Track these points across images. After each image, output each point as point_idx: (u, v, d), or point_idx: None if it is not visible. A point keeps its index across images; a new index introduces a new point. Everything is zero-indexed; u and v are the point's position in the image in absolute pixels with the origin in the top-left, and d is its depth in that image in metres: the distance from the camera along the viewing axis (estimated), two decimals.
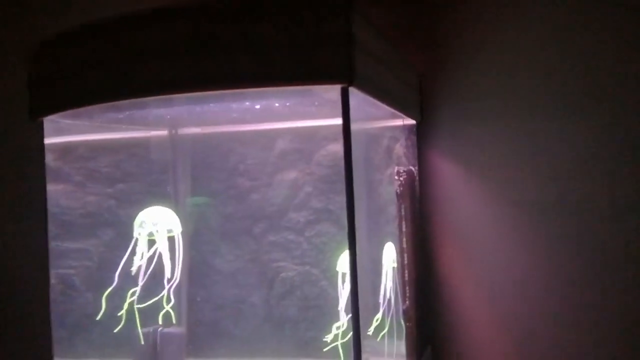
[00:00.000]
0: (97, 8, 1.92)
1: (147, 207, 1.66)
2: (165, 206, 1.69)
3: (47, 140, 1.46)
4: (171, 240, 1.63)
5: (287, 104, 1.56)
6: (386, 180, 1.52)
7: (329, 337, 1.52)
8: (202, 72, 1.18)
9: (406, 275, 1.57)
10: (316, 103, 1.53)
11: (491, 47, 1.75)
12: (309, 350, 1.79)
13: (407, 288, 1.57)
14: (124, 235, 1.86)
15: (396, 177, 1.57)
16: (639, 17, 1.62)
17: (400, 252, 1.54)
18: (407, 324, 1.55)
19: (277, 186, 1.84)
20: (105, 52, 1.26)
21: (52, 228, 1.51)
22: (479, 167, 1.76)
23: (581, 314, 1.67)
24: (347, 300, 1.50)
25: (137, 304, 1.55)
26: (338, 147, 1.79)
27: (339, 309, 1.51)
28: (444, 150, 1.79)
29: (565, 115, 1.68)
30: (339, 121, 1.75)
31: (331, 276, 1.76)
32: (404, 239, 1.57)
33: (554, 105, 1.69)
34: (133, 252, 1.55)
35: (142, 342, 1.57)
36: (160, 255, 1.56)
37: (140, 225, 1.52)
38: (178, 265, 1.59)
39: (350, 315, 1.14)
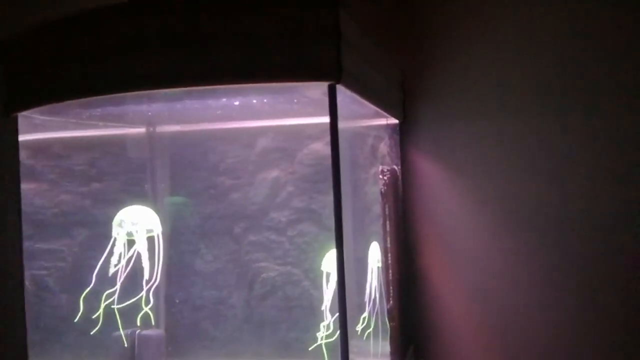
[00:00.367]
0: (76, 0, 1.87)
1: (123, 206, 1.62)
2: (143, 206, 1.65)
3: (21, 137, 1.41)
4: (150, 240, 1.59)
5: (265, 100, 1.54)
6: (371, 179, 1.51)
7: (319, 337, 1.50)
8: (184, 67, 1.15)
9: (390, 274, 1.56)
10: (295, 100, 1.51)
11: (474, 47, 1.75)
12: (291, 351, 1.77)
13: (391, 287, 1.56)
14: (99, 236, 1.81)
15: (380, 177, 1.56)
16: (623, 14, 1.64)
17: (384, 252, 1.53)
18: (391, 323, 1.54)
19: (258, 185, 1.82)
20: (85, 46, 1.22)
21: (24, 228, 1.46)
22: (462, 166, 1.76)
23: (562, 310, 1.68)
24: (332, 300, 1.48)
25: (115, 305, 1.51)
26: (321, 146, 1.78)
27: (323, 308, 1.49)
28: (427, 149, 1.79)
29: (546, 115, 1.69)
30: (322, 120, 1.75)
31: (314, 276, 1.74)
32: (388, 239, 1.56)
33: (535, 105, 1.70)
34: (111, 253, 1.51)
35: (125, 344, 1.53)
36: (138, 256, 1.52)
37: (120, 225, 1.48)
38: (158, 265, 1.55)
39: (335, 316, 1.12)
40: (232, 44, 1.13)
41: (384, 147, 1.63)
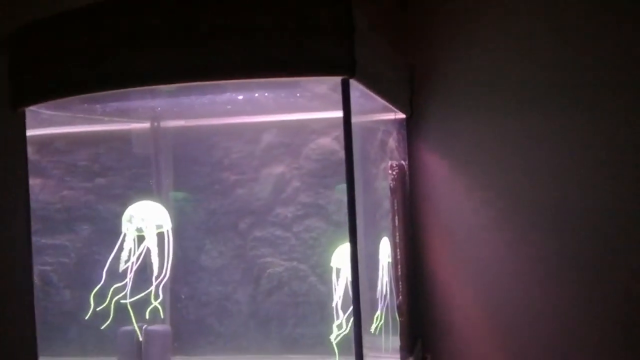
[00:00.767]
0: None
1: (127, 201, 1.61)
2: (152, 201, 1.64)
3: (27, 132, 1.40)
4: (159, 236, 1.58)
5: (271, 95, 1.53)
6: (381, 174, 1.51)
7: (333, 336, 1.49)
8: (194, 62, 1.14)
9: (399, 269, 1.56)
10: (298, 94, 1.51)
11: (482, 41, 1.75)
12: (298, 346, 1.77)
13: (400, 283, 1.56)
14: (103, 231, 1.81)
15: (390, 172, 1.55)
16: (631, 9, 1.64)
17: (393, 247, 1.52)
18: (401, 318, 1.54)
19: (263, 181, 1.81)
20: (92, 40, 1.21)
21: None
22: (469, 161, 1.76)
23: (568, 307, 1.69)
24: (343, 296, 1.48)
25: (127, 300, 1.50)
26: (328, 141, 1.77)
27: (334, 305, 1.49)
28: (434, 144, 1.79)
29: (555, 110, 1.69)
30: (327, 114, 1.75)
31: (321, 272, 1.74)
32: (397, 234, 1.56)
33: (543, 101, 1.70)
34: (120, 248, 1.50)
35: (140, 338, 1.52)
36: (147, 251, 1.51)
37: (129, 220, 1.47)
38: (168, 261, 1.54)
39: (348, 312, 1.12)
40: (243, 38, 1.12)
41: (392, 142, 1.62)
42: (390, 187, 1.55)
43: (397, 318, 1.53)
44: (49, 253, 1.83)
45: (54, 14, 1.25)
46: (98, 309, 1.53)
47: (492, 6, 1.75)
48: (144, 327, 1.63)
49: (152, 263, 1.54)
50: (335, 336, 1.49)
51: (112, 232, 1.72)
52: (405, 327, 1.57)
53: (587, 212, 1.67)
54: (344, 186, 1.71)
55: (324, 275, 1.72)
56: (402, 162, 1.69)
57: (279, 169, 1.80)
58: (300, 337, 1.77)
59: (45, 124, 1.69)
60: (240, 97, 1.55)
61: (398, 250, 1.56)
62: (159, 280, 1.51)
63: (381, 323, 1.39)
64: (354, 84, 1.15)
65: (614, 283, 1.66)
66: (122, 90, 1.24)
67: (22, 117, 1.35)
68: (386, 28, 1.78)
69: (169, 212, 1.65)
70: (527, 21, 1.72)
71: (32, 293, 1.33)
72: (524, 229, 1.72)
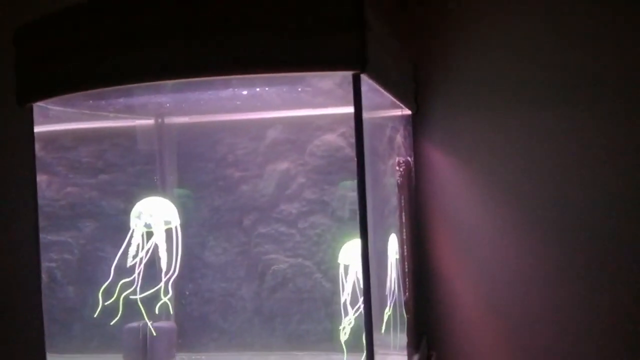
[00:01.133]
0: None
1: (131, 198, 1.60)
2: (162, 198, 1.64)
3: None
4: (167, 232, 1.58)
5: (276, 91, 1.53)
6: (389, 170, 1.51)
7: (340, 330, 1.49)
8: (204, 57, 1.14)
9: (406, 266, 1.56)
10: (299, 89, 1.50)
11: (486, 37, 1.75)
12: (302, 343, 1.77)
13: (407, 279, 1.56)
14: (107, 228, 1.80)
15: (397, 168, 1.55)
16: (631, 9, 1.64)
17: (400, 244, 1.52)
18: (407, 315, 1.54)
19: (268, 177, 1.81)
20: (100, 34, 1.20)
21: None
22: (474, 159, 1.76)
23: (574, 304, 1.69)
24: (352, 293, 1.48)
25: (137, 296, 1.50)
26: (333, 137, 1.77)
27: (343, 301, 1.49)
28: (439, 141, 1.79)
29: (560, 106, 1.69)
30: (333, 110, 1.75)
31: (326, 268, 1.74)
32: (404, 230, 1.55)
33: (549, 98, 1.70)
34: (128, 244, 1.49)
35: (154, 333, 1.51)
36: (155, 248, 1.51)
37: (138, 216, 1.46)
38: (177, 257, 1.53)
39: (356, 309, 1.12)
40: (253, 33, 1.11)
41: (399, 139, 1.62)
42: (398, 183, 1.55)
43: (405, 315, 1.53)
44: (53, 250, 1.82)
45: (60, 10, 1.24)
46: (106, 303, 1.53)
47: (499, 1, 1.74)
48: (149, 324, 1.63)
49: (160, 259, 1.53)
50: (343, 332, 1.48)
51: (117, 228, 1.71)
52: (411, 323, 1.57)
53: (593, 211, 1.67)
54: (347, 182, 1.72)
55: (329, 271, 1.72)
56: (408, 158, 1.69)
57: (283, 165, 1.80)
58: (305, 333, 1.77)
59: (51, 121, 1.68)
60: (245, 92, 1.54)
61: (405, 246, 1.56)
62: (168, 276, 1.50)
63: (389, 319, 1.39)
64: (363, 80, 1.15)
65: (620, 281, 1.66)
66: (133, 85, 1.23)
67: (30, 112, 1.34)
68: (390, 23, 1.78)
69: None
70: (529, 18, 1.72)
71: (40, 290, 1.32)
72: (529, 226, 1.72)
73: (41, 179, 1.78)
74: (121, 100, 1.60)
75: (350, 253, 1.50)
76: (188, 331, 1.81)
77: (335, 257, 1.57)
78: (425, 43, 1.80)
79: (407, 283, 1.56)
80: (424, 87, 1.80)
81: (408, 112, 1.74)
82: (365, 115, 1.16)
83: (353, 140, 1.70)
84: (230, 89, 1.50)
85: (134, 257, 1.45)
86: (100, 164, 1.83)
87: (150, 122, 1.84)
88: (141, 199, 1.60)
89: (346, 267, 1.50)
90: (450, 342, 1.79)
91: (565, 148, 1.69)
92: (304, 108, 1.78)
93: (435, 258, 1.80)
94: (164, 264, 1.50)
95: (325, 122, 1.76)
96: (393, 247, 1.47)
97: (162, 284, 1.50)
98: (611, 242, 1.66)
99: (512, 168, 1.73)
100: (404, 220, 1.56)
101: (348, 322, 1.45)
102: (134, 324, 1.61)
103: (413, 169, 1.75)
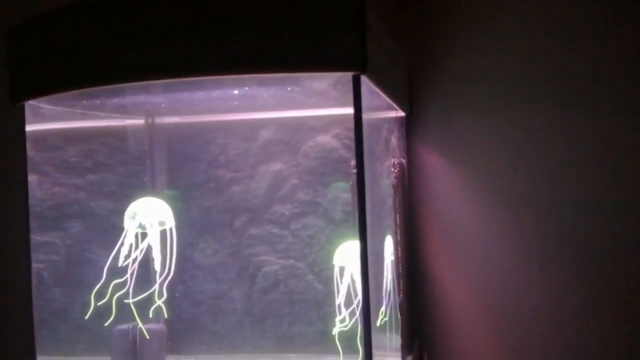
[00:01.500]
0: None
1: (121, 198, 1.58)
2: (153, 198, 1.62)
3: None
4: (161, 233, 1.56)
5: (268, 92, 1.52)
6: (385, 172, 1.51)
7: (334, 331, 1.49)
8: (203, 56, 1.13)
9: (400, 268, 1.56)
10: (289, 89, 1.49)
11: (481, 39, 1.76)
12: (293, 345, 1.76)
13: (401, 281, 1.56)
14: (95, 229, 1.78)
15: (392, 169, 1.55)
16: (631, 9, 1.66)
17: (395, 245, 1.52)
18: (402, 316, 1.54)
19: (260, 178, 1.80)
20: (94, 33, 1.18)
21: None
22: (467, 160, 1.77)
23: (567, 305, 1.70)
24: (346, 295, 1.48)
25: (124, 299, 1.48)
26: (327, 139, 1.76)
27: (337, 303, 1.48)
28: (432, 143, 1.79)
29: (555, 108, 1.71)
30: (326, 112, 1.75)
31: (319, 270, 1.73)
32: (399, 232, 1.56)
33: (543, 99, 1.72)
34: (122, 245, 1.47)
35: (148, 336, 1.49)
36: (149, 249, 1.49)
37: (132, 217, 1.44)
38: (172, 259, 1.51)
39: (350, 310, 1.11)
40: (251, 33, 1.10)
41: (394, 140, 1.62)
42: (393, 185, 1.55)
43: (399, 316, 1.53)
44: (41, 250, 1.79)
45: (53, 8, 1.22)
46: (98, 303, 1.50)
47: (494, 3, 1.75)
48: (138, 326, 1.60)
49: (154, 261, 1.51)
50: (336, 332, 1.48)
51: (105, 229, 1.69)
52: (405, 325, 1.57)
53: (588, 211, 1.68)
54: (340, 184, 1.72)
55: (322, 273, 1.72)
56: (402, 160, 1.69)
57: (276, 166, 1.79)
58: (296, 335, 1.76)
59: (41, 120, 1.65)
60: (237, 92, 1.53)
61: (399, 248, 1.56)
62: (162, 278, 1.49)
63: (385, 321, 1.39)
64: (362, 81, 1.15)
65: (614, 281, 1.67)
66: (126, 84, 1.22)
67: (22, 111, 1.32)
68: (388, 25, 1.78)
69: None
70: (526, 20, 1.73)
71: (31, 292, 1.30)
72: (523, 227, 1.73)
73: (32, 178, 1.74)
74: (115, 99, 1.58)
75: (345, 255, 1.50)
76: (178, 333, 1.79)
77: (327, 258, 1.56)
78: (419, 45, 1.80)
79: (401, 284, 1.56)
80: (417, 89, 1.80)
81: (402, 113, 1.74)
82: (364, 116, 1.16)
83: (347, 141, 1.72)
84: (221, 89, 1.49)
85: (126, 257, 1.43)
86: (89, 164, 1.81)
87: (140, 122, 1.82)
88: (131, 199, 1.57)
89: (341, 269, 1.50)
90: (442, 343, 1.79)
91: (557, 150, 1.70)
92: (297, 109, 1.77)
93: (428, 259, 1.80)
94: (157, 266, 1.48)
95: (319, 123, 1.75)
96: (389, 248, 1.47)
97: (156, 286, 1.48)
98: (605, 244, 1.67)
99: (504, 169, 1.74)
100: (398, 221, 1.56)
101: (343, 324, 1.44)
102: (124, 326, 1.59)
103: (406, 170, 1.75)
